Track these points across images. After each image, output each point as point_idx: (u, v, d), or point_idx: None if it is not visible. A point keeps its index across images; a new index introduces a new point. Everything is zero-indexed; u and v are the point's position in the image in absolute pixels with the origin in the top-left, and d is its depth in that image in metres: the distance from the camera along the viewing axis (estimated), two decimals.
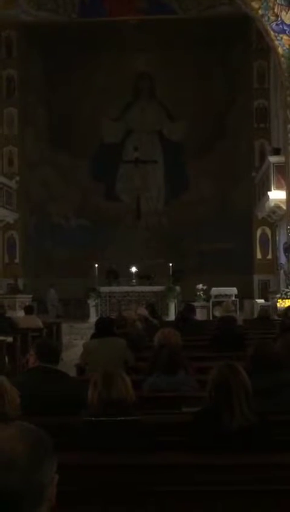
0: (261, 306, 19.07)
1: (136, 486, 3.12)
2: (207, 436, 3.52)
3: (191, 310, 11.69)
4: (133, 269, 22.49)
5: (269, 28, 17.90)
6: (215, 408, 3.60)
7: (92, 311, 20.90)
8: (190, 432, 3.63)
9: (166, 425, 4.04)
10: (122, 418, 3.51)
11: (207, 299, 20.46)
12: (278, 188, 19.31)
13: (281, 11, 17.69)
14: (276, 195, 19.47)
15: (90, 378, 3.79)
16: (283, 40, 17.78)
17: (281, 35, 17.79)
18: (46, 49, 25.31)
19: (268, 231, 24.13)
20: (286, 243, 18.54)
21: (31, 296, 21.80)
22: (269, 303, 19.26)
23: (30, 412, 3.69)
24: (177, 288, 21.35)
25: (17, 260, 24.58)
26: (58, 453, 1.73)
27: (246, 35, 24.31)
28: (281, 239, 21.12)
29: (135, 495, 3.08)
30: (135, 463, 3.28)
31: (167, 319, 17.38)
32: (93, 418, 3.56)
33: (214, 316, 17.89)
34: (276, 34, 17.83)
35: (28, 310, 14.33)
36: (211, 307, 19.88)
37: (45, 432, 1.75)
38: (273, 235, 23.74)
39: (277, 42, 17.89)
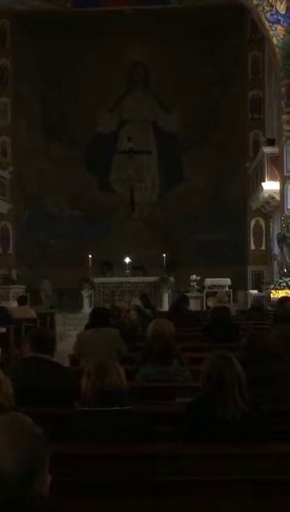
0: (254, 297, 19.14)
1: (130, 476, 3.12)
2: (200, 426, 3.52)
3: (185, 300, 11.71)
4: (127, 260, 22.50)
5: (263, 18, 17.86)
6: (208, 398, 3.60)
7: (86, 301, 20.91)
8: (183, 422, 3.63)
9: (159, 416, 4.05)
10: (116, 408, 3.51)
11: (201, 290, 20.50)
12: (272, 178, 19.31)
13: (275, 1, 17.65)
14: (270, 186, 19.47)
15: (84, 369, 3.78)
16: (278, 30, 17.74)
17: (275, 26, 17.75)
18: (40, 38, 25.18)
19: (262, 222, 24.15)
20: (279, 233, 18.57)
21: (24, 286, 21.79)
22: (263, 294, 19.31)
23: (24, 403, 3.68)
24: (171, 279, 21.38)
25: (10, 251, 24.55)
26: (52, 443, 1.72)
27: (240, 26, 24.24)
28: (275, 230, 21.14)
29: (129, 485, 3.08)
30: (129, 453, 3.29)
31: (161, 310, 17.40)
32: (87, 408, 3.56)
33: (207, 307, 17.91)
34: (271, 24, 17.79)
35: (22, 301, 14.31)
36: (204, 297, 19.92)
37: (37, 426, 1.73)
38: (267, 225, 23.76)
39: (271, 32, 17.86)
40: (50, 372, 4.76)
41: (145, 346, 5.73)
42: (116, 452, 3.28)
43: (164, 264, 21.58)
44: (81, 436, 3.42)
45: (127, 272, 22.34)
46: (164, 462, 3.23)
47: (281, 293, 16.01)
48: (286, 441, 3.49)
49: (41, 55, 25.68)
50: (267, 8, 17.70)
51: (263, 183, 19.84)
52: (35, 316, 13.42)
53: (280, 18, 17.73)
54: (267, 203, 21.08)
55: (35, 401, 4.16)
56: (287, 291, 16.21)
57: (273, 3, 17.64)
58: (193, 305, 17.63)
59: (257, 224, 24.35)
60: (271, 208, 21.48)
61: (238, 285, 22.20)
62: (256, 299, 18.20)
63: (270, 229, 23.26)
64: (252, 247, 24.43)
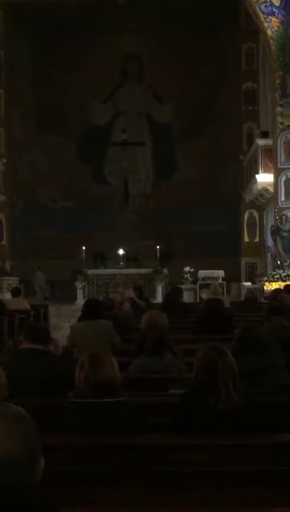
0: (248, 289, 19.18)
1: (124, 466, 3.14)
2: (193, 417, 3.54)
3: (179, 292, 11.71)
4: (121, 252, 22.50)
5: (258, 9, 17.82)
6: (201, 390, 3.62)
7: (80, 293, 20.90)
8: (176, 413, 3.65)
9: (153, 407, 4.06)
10: (110, 400, 3.52)
11: (194, 282, 20.52)
12: (266, 171, 19.32)
13: None
14: (264, 178, 19.48)
15: (78, 360, 3.79)
16: (272, 22, 17.71)
17: (270, 17, 17.72)
18: (33, 29, 25.05)
19: (256, 214, 24.17)
20: (273, 226, 18.60)
21: (18, 278, 21.79)
22: (256, 286, 19.35)
23: (17, 393, 3.69)
24: (165, 270, 21.38)
25: (4, 242, 24.50)
26: (46, 434, 1.75)
27: (235, 17, 24.16)
28: (269, 222, 21.18)
29: (123, 475, 3.10)
30: (123, 444, 3.30)
31: (154, 302, 17.41)
32: (80, 400, 3.57)
33: (201, 299, 17.94)
34: (265, 16, 17.75)
35: (15, 292, 14.32)
36: (198, 289, 19.95)
37: (28, 415, 1.78)
38: (261, 218, 23.79)
39: (266, 24, 17.82)
40: (43, 362, 4.76)
41: (138, 337, 5.76)
42: (110, 443, 3.30)
43: (158, 255, 21.58)
44: (75, 428, 3.43)
45: (121, 263, 22.35)
46: (158, 452, 3.25)
47: (274, 285, 16.05)
48: (277, 432, 3.51)
49: (35, 46, 25.57)
50: (262, 0, 17.66)
51: (256, 176, 19.85)
52: (28, 308, 13.42)
53: (274, 10, 17.70)
54: (261, 195, 21.10)
55: (29, 391, 4.17)
56: (281, 283, 16.25)
57: None
58: (187, 297, 17.65)
59: (251, 217, 24.38)
60: (265, 200, 21.50)
61: (232, 277, 22.24)
62: (249, 291, 18.27)
63: (264, 221, 23.29)
64: (246, 239, 24.46)
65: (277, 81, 18.18)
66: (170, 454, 3.25)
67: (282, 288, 12.50)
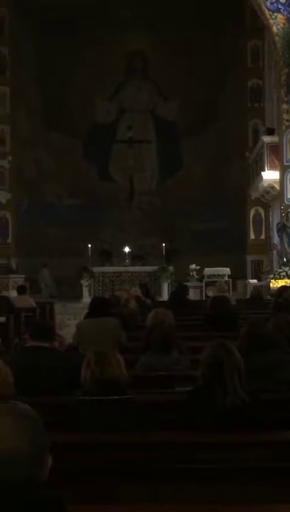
0: (254, 286, 19.14)
1: (130, 464, 3.14)
2: (200, 415, 3.54)
3: (185, 290, 11.70)
4: (127, 249, 22.48)
5: (263, 6, 17.77)
6: (208, 387, 3.61)
7: (85, 291, 20.90)
8: (183, 411, 3.65)
9: (159, 404, 4.06)
10: (116, 397, 3.52)
11: (200, 279, 20.49)
12: (272, 168, 19.27)
13: None
14: (270, 175, 19.43)
15: (84, 357, 3.79)
16: (278, 19, 17.65)
17: (275, 14, 17.66)
18: (39, 27, 25.03)
19: (261, 211, 24.13)
20: (279, 223, 18.56)
21: (23, 276, 21.79)
22: (262, 283, 19.31)
23: (24, 390, 3.69)
24: (171, 268, 21.37)
25: (9, 240, 24.52)
26: (53, 432, 1.75)
27: (240, 14, 24.10)
28: (275, 219, 21.13)
29: (129, 473, 3.09)
30: (129, 441, 3.30)
31: (160, 299, 17.41)
32: (87, 398, 3.57)
33: (207, 296, 17.91)
34: (271, 13, 17.70)
35: (21, 290, 14.33)
36: (204, 287, 19.92)
37: (35, 412, 1.79)
38: (267, 215, 23.74)
39: (271, 21, 17.77)
40: (49, 360, 4.77)
41: (144, 335, 5.75)
42: (116, 441, 3.30)
43: (164, 253, 21.57)
44: (82, 425, 3.43)
45: (127, 261, 22.33)
46: (164, 450, 3.25)
47: (280, 283, 16.01)
48: (284, 429, 3.51)
49: (40, 44, 25.55)
50: None
51: (262, 173, 19.81)
52: (34, 305, 13.44)
53: (280, 7, 17.64)
54: (267, 192, 21.05)
55: (35, 389, 4.17)
56: (287, 280, 16.22)
57: None
58: (193, 295, 17.63)
59: (257, 214, 24.34)
60: (271, 197, 21.45)
61: (238, 274, 22.20)
62: (255, 288, 18.20)
63: (270, 218, 23.24)
64: (252, 236, 24.42)
65: (283, 78, 18.13)
66: (176, 452, 3.25)
67: (288, 285, 12.48)
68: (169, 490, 3.01)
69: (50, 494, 1.72)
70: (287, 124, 18.11)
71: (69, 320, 16.08)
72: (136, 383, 4.50)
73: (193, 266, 20.86)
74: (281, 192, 18.52)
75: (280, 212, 18.59)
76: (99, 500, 2.91)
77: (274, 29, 17.80)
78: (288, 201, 18.13)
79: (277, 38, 17.82)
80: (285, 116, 18.11)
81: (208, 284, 19.59)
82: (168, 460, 3.17)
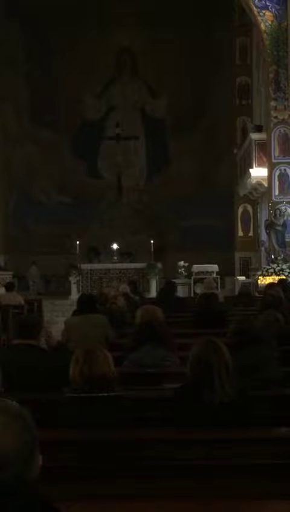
0: (242, 283, 19.18)
1: (118, 461, 3.14)
2: (188, 411, 3.54)
3: (173, 286, 11.71)
4: (115, 246, 22.46)
5: (251, 3, 17.78)
6: (196, 384, 3.62)
7: (74, 288, 20.86)
8: (171, 408, 3.65)
9: (147, 401, 4.06)
10: (104, 394, 3.52)
11: (188, 276, 20.52)
12: (260, 165, 19.32)
13: None
14: (257, 172, 19.48)
15: (72, 354, 3.79)
16: (266, 16, 17.68)
17: (263, 11, 17.68)
18: (27, 23, 24.95)
19: (250, 208, 24.19)
20: (267, 220, 18.60)
21: (11, 272, 21.72)
22: (250, 280, 19.36)
23: (10, 389, 3.69)
24: (159, 265, 21.37)
25: None
26: (40, 429, 1.74)
27: (228, 11, 24.12)
28: (263, 216, 21.19)
29: (117, 470, 3.10)
30: (117, 438, 3.30)
31: (148, 296, 17.41)
32: (75, 395, 3.56)
33: (195, 293, 17.95)
34: (259, 10, 17.72)
35: (9, 287, 14.29)
36: (192, 284, 19.95)
37: (25, 410, 1.78)
38: (255, 212, 23.80)
39: (259, 18, 17.79)
40: (33, 357, 4.76)
41: (133, 332, 5.75)
42: (104, 438, 3.30)
43: (152, 250, 21.57)
44: (70, 422, 3.43)
45: (115, 258, 22.31)
46: (152, 447, 3.25)
47: (268, 280, 16.05)
48: (272, 426, 3.52)
49: (28, 40, 25.45)
50: None
51: (250, 170, 19.85)
52: (22, 302, 13.41)
53: (268, 4, 17.67)
54: (255, 189, 21.10)
55: (22, 386, 4.16)
56: (275, 277, 16.26)
57: None
58: (181, 292, 17.66)
59: (245, 211, 24.39)
60: (259, 194, 21.51)
61: (226, 271, 22.25)
62: (243, 285, 18.25)
63: (258, 215, 23.30)
64: (240, 233, 24.48)
65: (271, 76, 18.16)
66: (165, 449, 3.25)
67: (276, 282, 12.51)
68: (158, 487, 3.01)
69: (40, 494, 1.71)
70: (275, 121, 18.16)
71: (57, 317, 16.05)
72: (124, 379, 4.50)
73: (181, 263, 20.88)
74: (269, 190, 18.57)
75: (268, 209, 18.64)
76: (95, 497, 2.91)
77: (262, 26, 17.82)
78: (276, 199, 18.18)
79: (265, 35, 17.85)
80: (273, 114, 18.15)
81: (196, 281, 19.62)
82: (156, 457, 3.17)
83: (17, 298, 13.53)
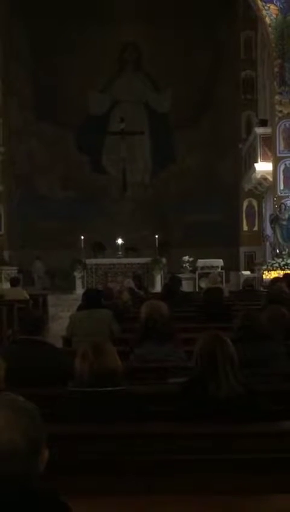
0: (247, 278, 19.17)
1: (124, 455, 3.14)
2: (194, 406, 3.54)
3: (178, 281, 11.72)
4: (119, 241, 22.47)
5: None
6: (201, 378, 3.62)
7: (78, 283, 20.90)
8: (177, 402, 3.65)
9: (153, 396, 4.07)
10: (111, 389, 3.52)
11: (193, 271, 20.52)
12: (265, 159, 19.28)
13: None
14: (262, 167, 19.44)
15: (78, 350, 3.78)
16: (271, 10, 17.62)
17: (268, 5, 17.62)
18: (31, 17, 24.93)
19: (255, 203, 24.16)
20: (272, 214, 18.58)
21: (16, 267, 21.77)
22: (255, 275, 19.36)
23: (14, 384, 3.69)
24: (163, 260, 21.38)
25: (2, 232, 24.47)
26: (48, 424, 1.75)
27: (233, 5, 24.07)
28: (268, 211, 21.15)
29: (122, 465, 3.10)
30: (124, 433, 3.30)
31: (153, 291, 17.42)
32: (82, 389, 3.56)
33: (200, 288, 17.95)
34: (263, 4, 17.66)
35: (14, 282, 14.30)
36: (197, 278, 19.95)
37: (32, 404, 1.78)
38: (260, 207, 23.77)
39: (264, 12, 17.74)
40: (39, 353, 4.77)
41: (138, 327, 5.75)
42: (110, 432, 3.30)
43: (156, 245, 21.57)
44: (76, 417, 3.43)
45: (120, 253, 22.32)
46: (158, 441, 3.25)
47: (273, 274, 16.05)
48: (278, 421, 3.51)
49: (33, 35, 25.44)
50: None
51: (255, 164, 19.81)
52: (27, 297, 13.41)
53: None
54: (260, 184, 21.07)
55: (26, 382, 4.17)
56: (279, 272, 16.26)
57: None
58: (186, 286, 17.65)
59: (250, 205, 24.37)
60: (264, 188, 21.47)
61: (231, 266, 22.24)
62: (247, 279, 18.23)
63: (263, 210, 23.27)
64: (245, 228, 24.46)
65: (276, 70, 18.11)
66: (171, 443, 3.25)
67: (281, 276, 12.50)
68: (163, 481, 3.02)
69: (46, 486, 1.72)
70: (280, 115, 18.12)
71: (62, 312, 16.07)
72: (130, 374, 4.50)
73: (186, 258, 20.88)
74: (274, 184, 18.55)
75: (273, 204, 18.62)
76: (97, 492, 2.91)
77: (267, 20, 17.77)
78: (281, 193, 18.16)
79: (270, 29, 17.79)
80: (278, 108, 18.12)
81: (201, 276, 19.63)
82: (162, 451, 3.17)
83: (22, 293, 13.54)
